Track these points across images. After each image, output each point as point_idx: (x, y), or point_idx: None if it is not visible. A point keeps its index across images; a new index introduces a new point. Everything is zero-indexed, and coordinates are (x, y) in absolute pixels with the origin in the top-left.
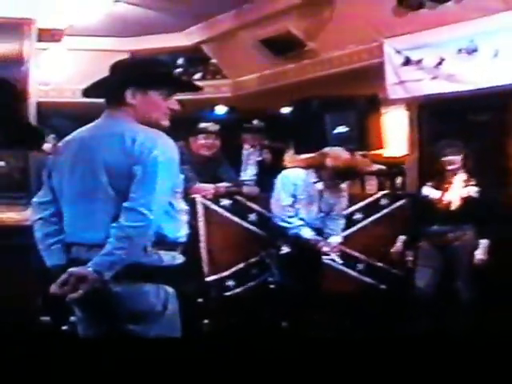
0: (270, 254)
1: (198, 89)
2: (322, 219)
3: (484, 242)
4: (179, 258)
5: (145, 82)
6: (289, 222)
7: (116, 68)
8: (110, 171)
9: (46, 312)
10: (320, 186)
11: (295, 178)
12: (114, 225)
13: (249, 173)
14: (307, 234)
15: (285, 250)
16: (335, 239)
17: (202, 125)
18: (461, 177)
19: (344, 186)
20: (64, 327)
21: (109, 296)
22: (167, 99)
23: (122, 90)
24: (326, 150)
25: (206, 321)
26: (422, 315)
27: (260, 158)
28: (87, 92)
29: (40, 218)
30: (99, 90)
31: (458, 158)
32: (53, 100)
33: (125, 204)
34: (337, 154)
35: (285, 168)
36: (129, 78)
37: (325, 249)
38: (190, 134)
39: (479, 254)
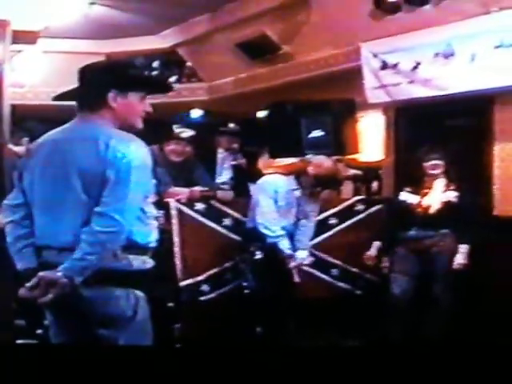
0: (244, 259)
1: (170, 88)
2: (295, 227)
3: (464, 247)
4: (149, 263)
5: (126, 84)
6: (271, 230)
7: (94, 72)
8: (83, 175)
9: (21, 315)
10: (298, 193)
11: (276, 184)
12: (86, 230)
13: (224, 176)
14: (284, 245)
15: (259, 255)
16: (302, 254)
17: (176, 130)
18: (441, 182)
19: (323, 194)
20: (38, 331)
21: (79, 300)
22: (143, 101)
23: (103, 93)
24: (309, 157)
25: (177, 325)
26: (398, 321)
27: (235, 162)
28: (62, 98)
29: (11, 221)
30: (76, 95)
31: (441, 163)
32: (28, 102)
33: (96, 209)
34: (319, 162)
35: (260, 172)
36: (110, 81)
37: (292, 265)
38: (163, 138)
39: (459, 259)
